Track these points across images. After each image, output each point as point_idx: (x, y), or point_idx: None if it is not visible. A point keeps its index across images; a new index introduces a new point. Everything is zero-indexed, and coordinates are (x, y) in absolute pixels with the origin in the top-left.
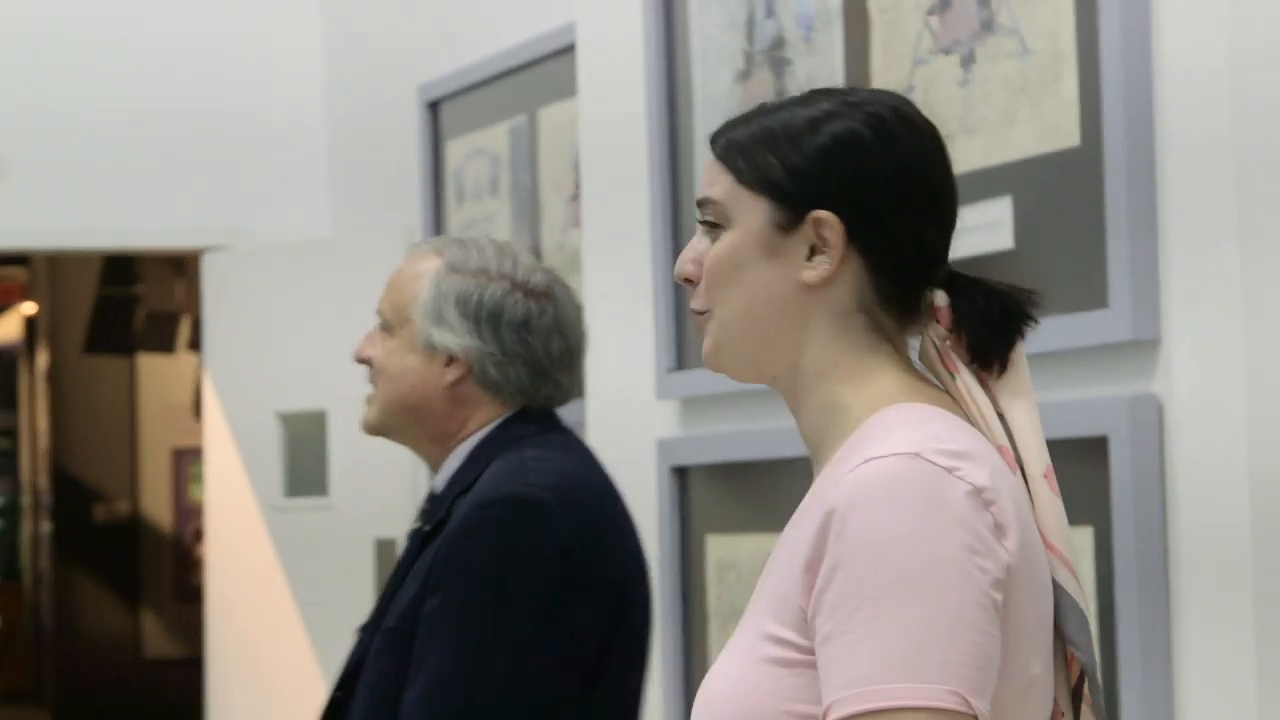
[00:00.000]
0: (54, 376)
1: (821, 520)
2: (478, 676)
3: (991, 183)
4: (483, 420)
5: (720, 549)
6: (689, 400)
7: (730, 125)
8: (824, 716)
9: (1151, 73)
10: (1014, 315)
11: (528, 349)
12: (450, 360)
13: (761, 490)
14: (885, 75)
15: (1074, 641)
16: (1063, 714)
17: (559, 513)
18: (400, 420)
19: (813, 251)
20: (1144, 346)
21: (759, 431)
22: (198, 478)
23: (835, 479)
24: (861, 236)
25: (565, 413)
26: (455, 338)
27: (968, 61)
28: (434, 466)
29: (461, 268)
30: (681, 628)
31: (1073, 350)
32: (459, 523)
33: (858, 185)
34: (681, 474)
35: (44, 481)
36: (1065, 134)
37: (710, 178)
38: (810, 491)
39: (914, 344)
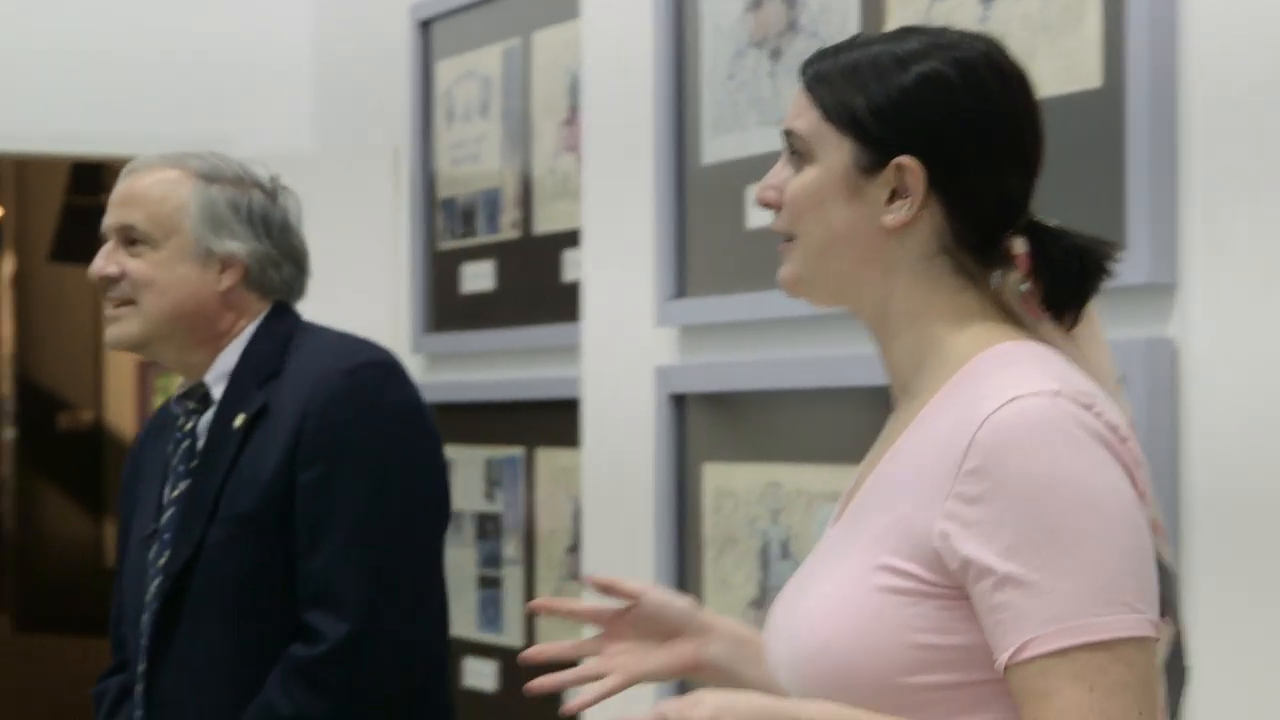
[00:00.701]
0: (19, 283)
1: (961, 458)
2: (385, 536)
3: None
4: (249, 318)
5: (718, 477)
6: (688, 328)
7: (821, 56)
8: (1016, 653)
9: (1176, 15)
10: (1091, 268)
11: (292, 247)
12: (225, 266)
13: (760, 420)
14: (903, 10)
15: (1169, 602)
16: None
17: (408, 377)
18: (168, 330)
19: (894, 195)
20: (1161, 290)
21: (758, 361)
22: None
23: (965, 416)
24: (943, 183)
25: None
26: (239, 243)
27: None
28: (192, 372)
29: (217, 177)
30: (677, 555)
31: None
32: (321, 397)
33: (941, 131)
34: (679, 402)
35: (7, 388)
36: (1086, 75)
37: (797, 109)
38: (910, 424)
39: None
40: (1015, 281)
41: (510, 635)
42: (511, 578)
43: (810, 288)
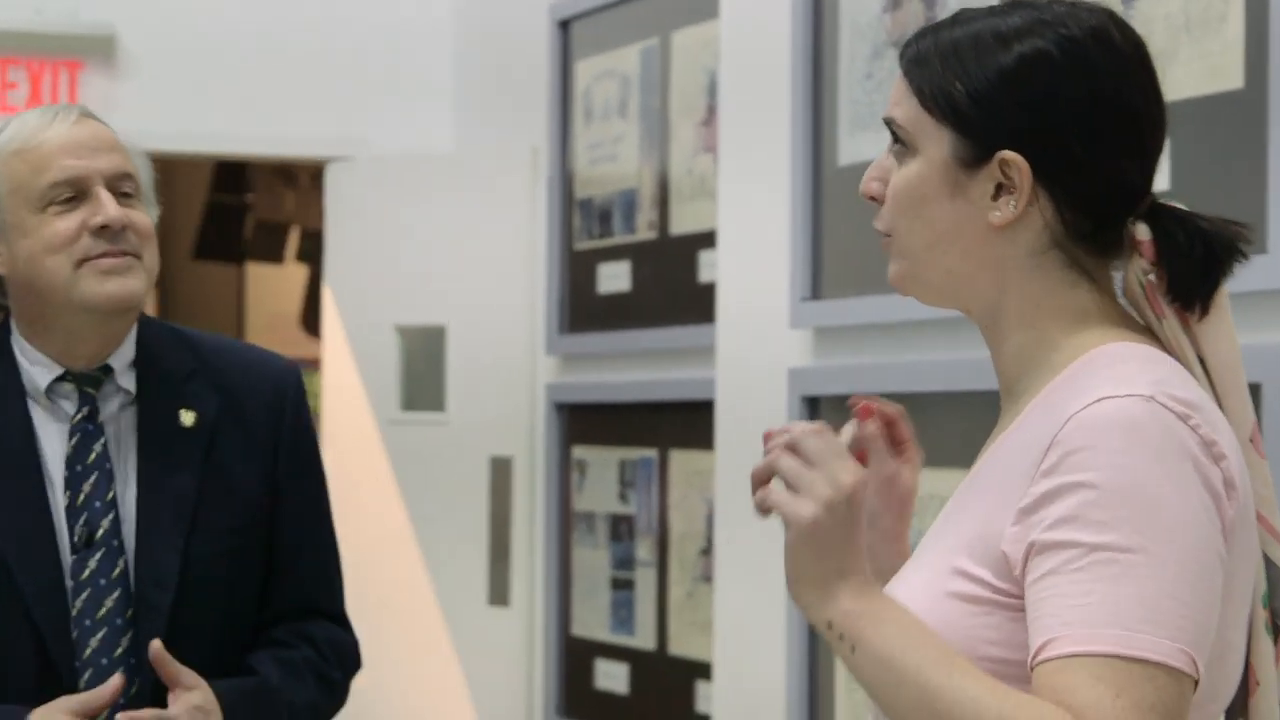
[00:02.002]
0: (163, 282)
1: (1040, 458)
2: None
3: None
4: None
5: None
6: (822, 330)
7: (921, 35)
8: (1041, 648)
9: None
10: (1220, 252)
11: None
12: None
13: None
14: None
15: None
16: (1258, 684)
17: None
18: (144, 297)
19: (998, 190)
20: None
21: (892, 364)
22: (308, 389)
23: (1055, 417)
24: (1050, 174)
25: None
26: (156, 215)
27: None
28: (93, 352)
29: (130, 142)
30: None
31: (1233, 295)
32: (292, 405)
33: (1045, 120)
34: (813, 404)
35: None
36: (1228, 75)
37: (898, 96)
38: (1009, 427)
39: (1117, 279)
40: (1140, 271)
41: (642, 638)
42: (644, 580)
43: (919, 286)
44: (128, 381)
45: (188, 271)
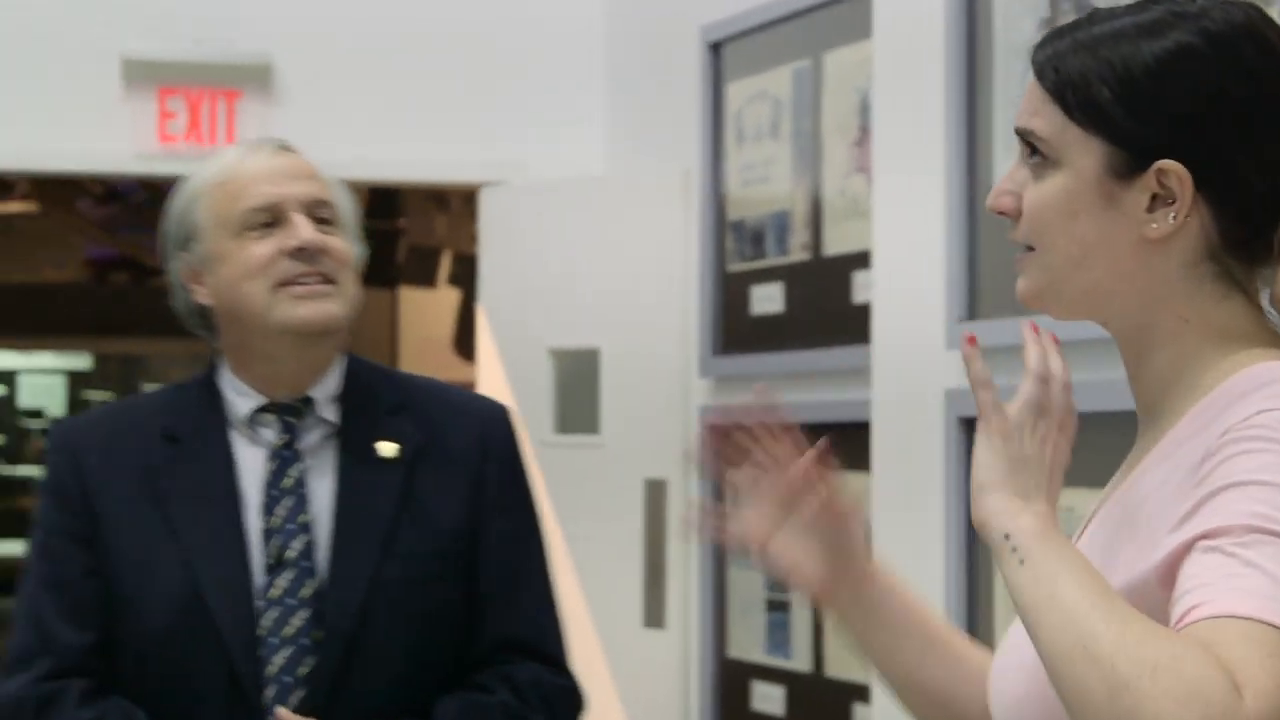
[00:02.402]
0: None
1: (1197, 473)
2: (555, 588)
3: None
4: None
5: None
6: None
7: (1054, 36)
8: (1190, 610)
9: None
10: None
11: None
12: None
13: None
14: None
15: None
16: None
17: None
18: (348, 322)
19: (1153, 200)
20: None
21: None
22: None
23: (1207, 438)
24: (1211, 182)
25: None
26: (361, 250)
27: None
28: (293, 381)
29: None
30: (967, 579)
31: None
32: (499, 441)
33: (1203, 123)
34: (969, 425)
35: None
36: None
37: (1033, 105)
38: (1152, 452)
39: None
40: None
41: (799, 660)
42: (800, 601)
43: (1055, 302)
44: (330, 413)
45: None
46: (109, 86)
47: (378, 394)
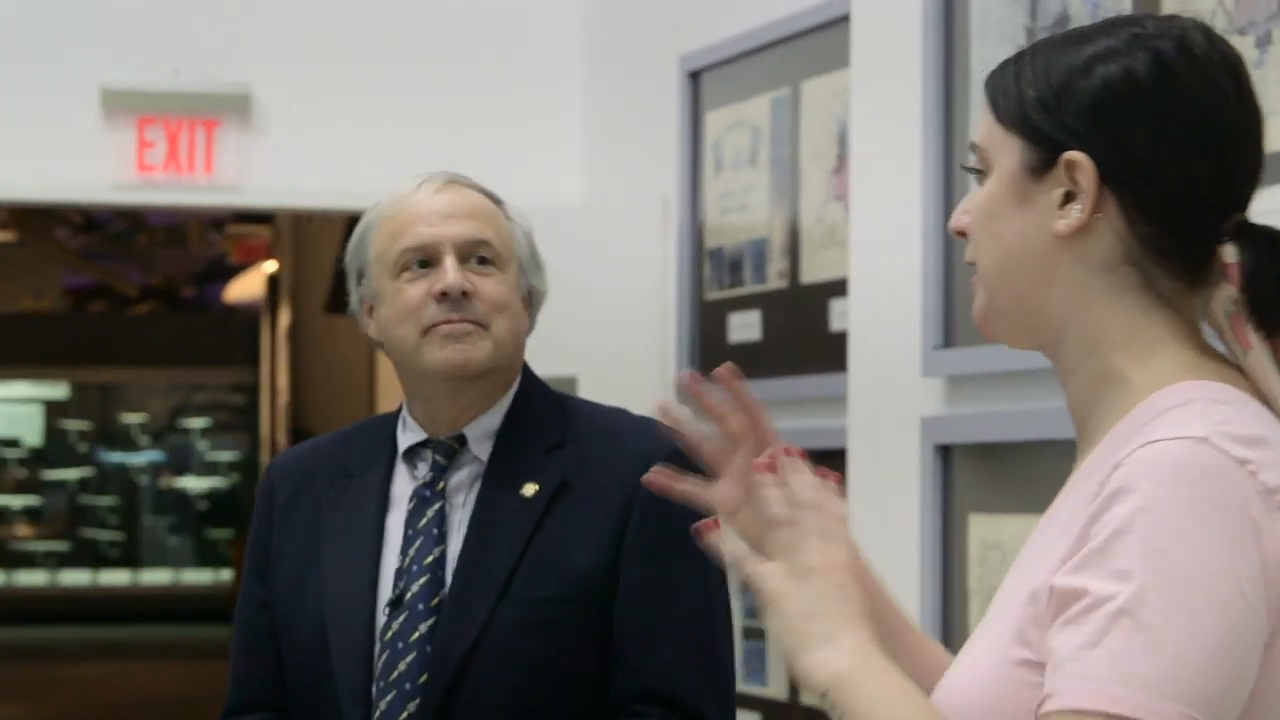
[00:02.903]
0: (294, 335)
1: (1093, 509)
2: (719, 638)
3: None
4: (517, 372)
5: (984, 529)
6: (955, 378)
7: (1004, 61)
8: (1044, 700)
9: None
10: None
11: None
12: (527, 306)
13: (1027, 471)
14: None
15: None
16: None
17: None
18: (505, 361)
19: (1067, 198)
20: None
21: (1026, 412)
22: None
23: (1111, 464)
24: (1119, 180)
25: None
26: (542, 283)
27: (1263, 43)
28: (452, 419)
29: (514, 211)
30: (941, 607)
31: None
32: (642, 484)
33: (1114, 119)
34: (945, 452)
35: (282, 438)
36: None
37: (980, 120)
38: (1074, 476)
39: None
40: (1227, 299)
41: (775, 687)
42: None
43: (996, 320)
44: (483, 451)
45: (319, 324)
46: (88, 116)
47: (541, 430)
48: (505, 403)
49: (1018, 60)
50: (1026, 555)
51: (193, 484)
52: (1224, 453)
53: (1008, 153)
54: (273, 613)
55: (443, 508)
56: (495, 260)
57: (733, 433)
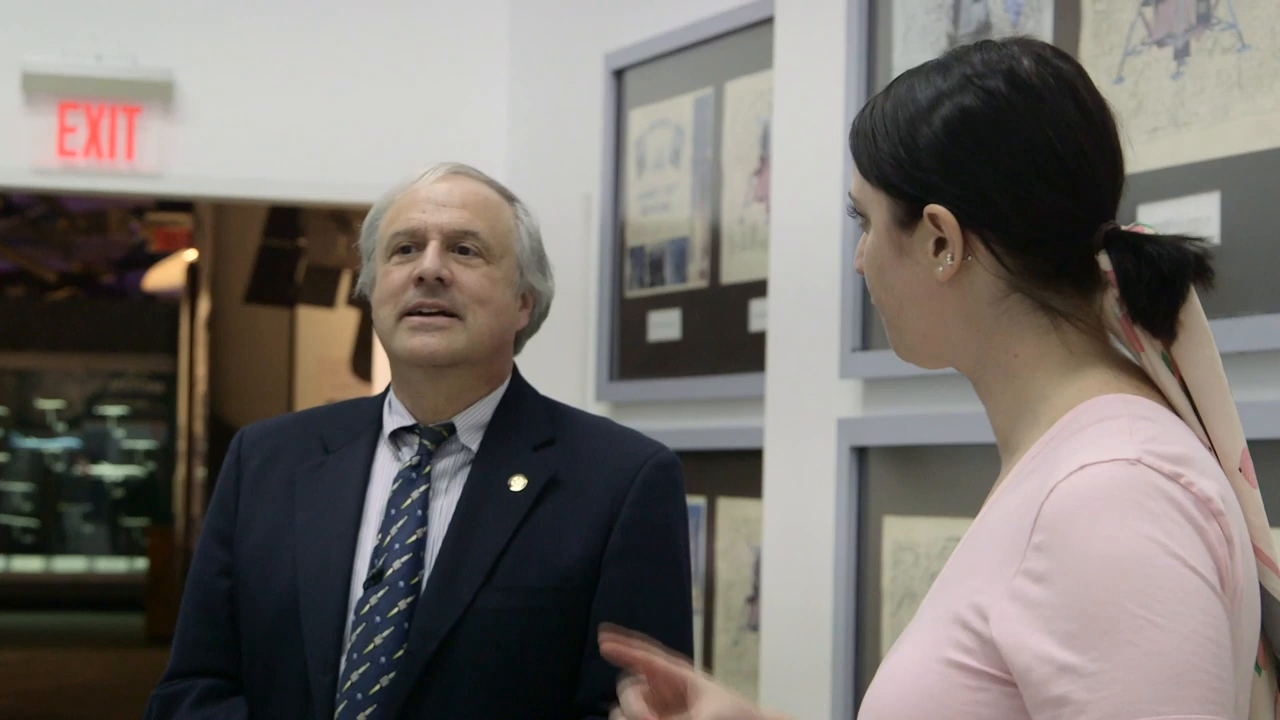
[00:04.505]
0: (214, 324)
1: (1028, 526)
2: (688, 647)
3: (1200, 178)
4: (508, 370)
5: (897, 531)
6: (872, 381)
7: (863, 109)
8: None
9: None
10: (1170, 273)
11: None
12: (525, 304)
13: (942, 474)
14: (1094, 65)
15: None
16: None
17: None
18: (484, 354)
19: (939, 245)
20: None
21: (941, 415)
22: None
23: (1043, 480)
24: (977, 222)
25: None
26: (544, 284)
27: (1181, 54)
28: (436, 406)
29: (524, 209)
30: (855, 608)
31: (1278, 351)
32: (643, 487)
33: (960, 168)
34: (861, 454)
35: (199, 427)
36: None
37: (853, 172)
38: (1002, 484)
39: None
40: (1114, 303)
41: None
42: None
43: (907, 351)
44: (471, 441)
45: (239, 314)
46: (8, 99)
47: (531, 427)
48: (496, 397)
49: (873, 115)
50: (953, 568)
51: (109, 472)
52: (1157, 470)
53: (878, 208)
54: (234, 578)
55: (427, 491)
56: (483, 252)
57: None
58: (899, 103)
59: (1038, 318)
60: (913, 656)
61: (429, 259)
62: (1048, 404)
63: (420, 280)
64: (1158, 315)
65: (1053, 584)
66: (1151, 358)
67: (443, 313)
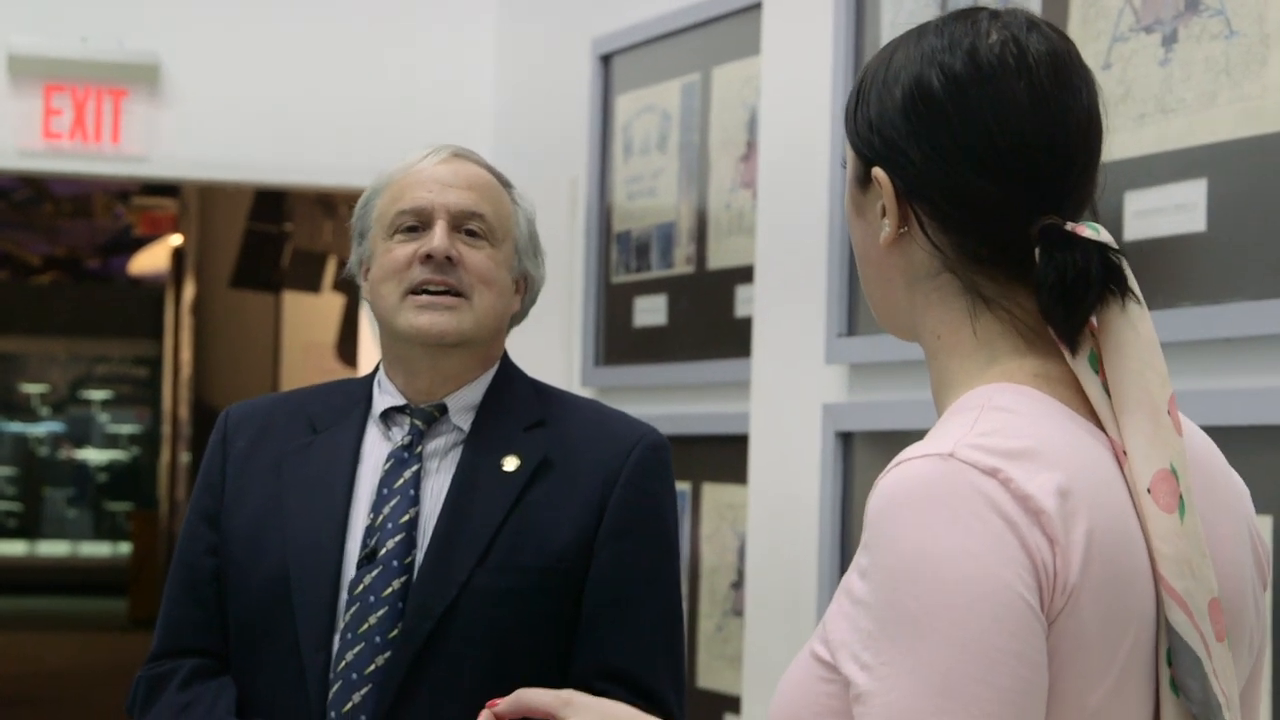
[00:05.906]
0: (199, 309)
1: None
2: (678, 626)
3: (1186, 164)
4: (499, 353)
5: None
6: (858, 366)
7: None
8: None
9: None
10: (1075, 277)
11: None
12: (517, 289)
13: None
14: (1082, 51)
15: (1183, 685)
16: None
17: None
18: (486, 335)
19: (885, 211)
20: None
21: (926, 400)
22: None
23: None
24: (916, 194)
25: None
26: (537, 269)
27: (1169, 41)
28: (431, 390)
29: (520, 195)
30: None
31: (1265, 337)
32: (635, 468)
33: (906, 142)
34: (846, 439)
35: (184, 412)
36: (1268, 118)
37: None
38: None
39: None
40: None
41: None
42: None
43: (873, 312)
44: (464, 421)
45: (225, 299)
46: None
47: (521, 409)
48: (487, 379)
49: (860, 76)
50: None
51: (93, 456)
52: (971, 465)
53: (851, 163)
54: (221, 558)
55: (419, 470)
56: (487, 235)
57: None
58: (884, 63)
59: (964, 300)
60: (799, 655)
61: (438, 237)
62: (954, 390)
63: (428, 258)
64: (1056, 320)
65: (868, 580)
66: (1079, 356)
67: (449, 292)
